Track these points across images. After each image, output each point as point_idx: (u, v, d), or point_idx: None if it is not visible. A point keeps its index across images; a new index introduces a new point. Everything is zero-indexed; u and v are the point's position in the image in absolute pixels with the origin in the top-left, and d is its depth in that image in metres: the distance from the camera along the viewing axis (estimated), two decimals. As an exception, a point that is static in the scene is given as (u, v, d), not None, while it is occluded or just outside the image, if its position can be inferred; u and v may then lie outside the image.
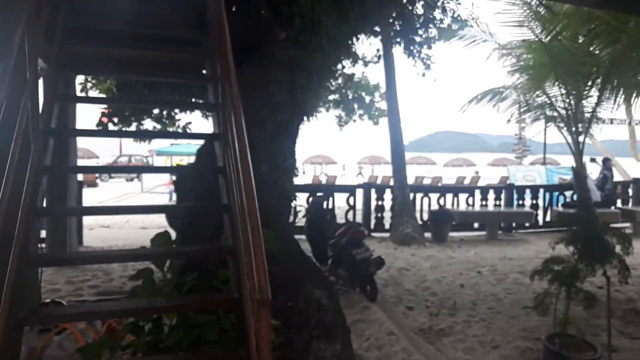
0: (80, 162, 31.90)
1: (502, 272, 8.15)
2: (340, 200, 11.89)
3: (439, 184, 33.47)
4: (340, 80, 16.25)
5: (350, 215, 11.84)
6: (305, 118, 5.74)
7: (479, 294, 6.79)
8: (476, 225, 12.43)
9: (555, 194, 13.57)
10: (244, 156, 2.85)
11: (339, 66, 15.76)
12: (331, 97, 16.79)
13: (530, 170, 20.11)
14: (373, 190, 12.22)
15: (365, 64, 15.95)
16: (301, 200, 11.38)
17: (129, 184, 30.36)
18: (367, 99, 17.13)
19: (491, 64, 10.40)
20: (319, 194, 10.00)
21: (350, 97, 16.99)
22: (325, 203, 8.18)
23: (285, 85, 5.23)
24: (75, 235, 8.70)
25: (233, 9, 5.77)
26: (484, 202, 12.94)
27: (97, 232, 12.30)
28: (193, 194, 4.53)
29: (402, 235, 10.47)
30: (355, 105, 17.22)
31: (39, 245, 4.65)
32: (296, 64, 5.26)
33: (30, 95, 3.04)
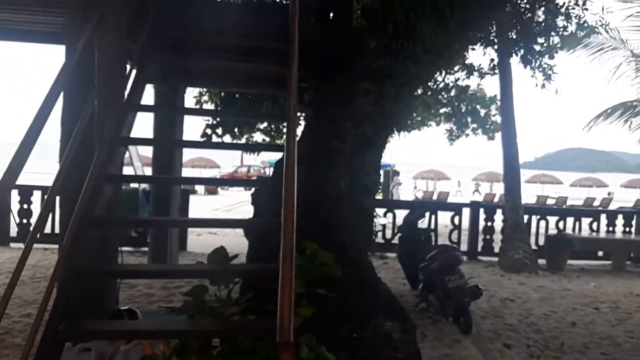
0: (203, 172, 34.20)
1: (625, 310, 7.06)
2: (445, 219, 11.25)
3: (564, 206, 30.90)
4: (453, 93, 15.54)
5: (454, 236, 11.12)
6: (393, 131, 5.36)
7: (593, 335, 5.88)
8: (600, 253, 11.08)
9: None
10: (290, 169, 2.60)
11: (452, 78, 15.23)
12: (442, 110, 16.12)
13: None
14: (482, 210, 11.38)
15: (481, 75, 15.12)
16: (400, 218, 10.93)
17: (246, 192, 31.43)
18: (482, 112, 16.19)
19: (622, 75, 9.19)
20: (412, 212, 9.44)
21: (463, 110, 16.16)
22: (421, 221, 7.64)
23: (372, 96, 4.90)
24: (176, 241, 9.01)
25: (326, 18, 5.59)
26: (610, 228, 11.51)
27: (204, 239, 12.74)
28: (267, 209, 4.36)
29: (511, 261, 9.58)
30: (469, 119, 16.36)
31: (119, 249, 4.74)
32: (386, 73, 4.91)
33: (95, 102, 3.06)
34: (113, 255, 4.69)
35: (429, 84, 15.20)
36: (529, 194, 37.31)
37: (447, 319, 6.02)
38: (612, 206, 31.63)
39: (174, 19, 4.56)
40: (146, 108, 4.10)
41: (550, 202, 32.13)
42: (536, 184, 40.29)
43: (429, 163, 47.20)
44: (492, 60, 10.95)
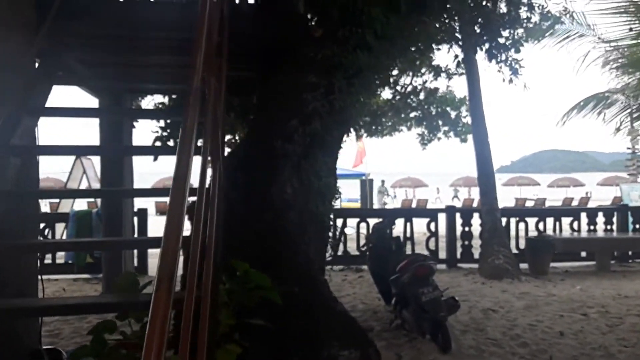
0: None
1: (615, 314, 6.54)
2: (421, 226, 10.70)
3: (543, 207, 30.74)
4: (422, 96, 15.14)
5: (432, 244, 10.58)
6: (349, 129, 4.78)
7: (583, 346, 5.32)
8: (583, 254, 10.63)
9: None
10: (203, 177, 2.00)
11: (420, 80, 14.83)
12: (412, 115, 15.69)
13: (648, 189, 17.41)
14: (458, 215, 10.86)
15: (449, 76, 14.79)
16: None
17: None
18: (453, 114, 15.80)
19: (592, 63, 8.78)
20: (380, 220, 8.87)
21: (433, 113, 15.77)
22: (389, 230, 7.04)
23: (320, 90, 4.32)
24: (130, 262, 8.26)
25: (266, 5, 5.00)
26: (592, 227, 11.09)
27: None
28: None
29: (491, 267, 9.04)
30: (440, 122, 15.96)
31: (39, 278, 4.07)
32: (334, 64, 4.34)
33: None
34: (31, 285, 4.01)
35: (397, 87, 14.93)
36: (507, 197, 37.24)
37: (424, 337, 5.40)
38: (591, 205, 31.71)
39: (82, 11, 3.93)
40: (48, 112, 3.43)
41: (529, 204, 31.98)
42: (514, 186, 40.19)
43: (404, 171, 46.83)
44: (456, 56, 10.49)
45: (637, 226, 10.96)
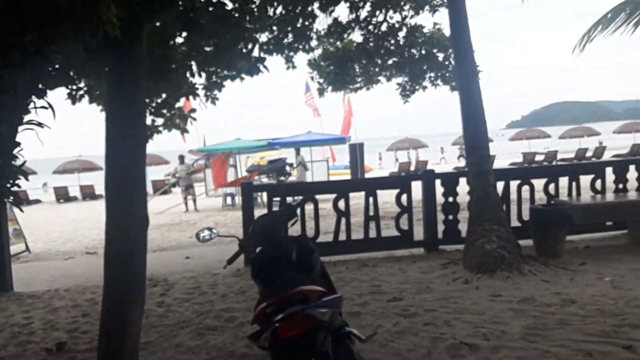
0: (150, 170, 30.20)
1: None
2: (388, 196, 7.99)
3: (555, 162, 27.80)
4: (400, 36, 12.16)
5: (404, 222, 7.89)
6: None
7: None
8: (610, 222, 7.89)
9: None
10: None
11: (398, 17, 11.88)
12: (391, 61, 12.70)
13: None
14: (439, 182, 8.12)
15: (432, 9, 11.88)
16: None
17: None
18: (441, 56, 12.75)
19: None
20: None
21: (417, 56, 12.73)
22: (288, 223, 4.11)
23: None
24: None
25: None
26: (620, 186, 8.29)
27: (68, 264, 9.36)
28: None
29: (480, 254, 6.29)
30: (425, 67, 12.95)
31: None
32: None
33: None
34: None
35: (370, 27, 12.01)
36: (515, 154, 34.22)
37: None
38: (606, 155, 28.65)
39: None
40: None
41: (539, 158, 29.05)
42: (522, 140, 37.06)
43: (399, 136, 43.76)
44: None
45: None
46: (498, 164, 23.79)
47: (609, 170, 8.30)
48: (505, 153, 36.04)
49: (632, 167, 8.40)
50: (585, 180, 8.26)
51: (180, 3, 5.72)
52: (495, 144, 29.10)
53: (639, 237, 7.30)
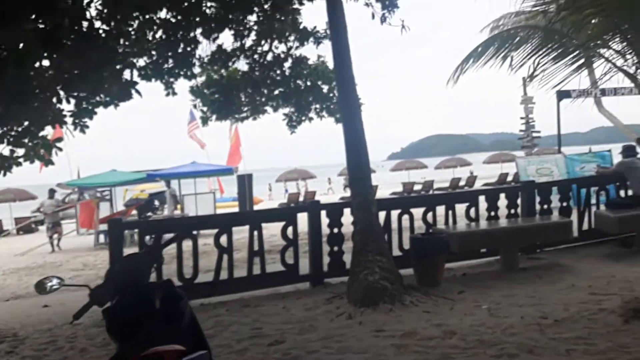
0: (15, 206, 27.57)
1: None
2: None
3: (431, 190, 29.38)
4: (286, 66, 12.08)
5: (289, 257, 7.64)
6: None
7: None
8: (484, 249, 8.25)
9: (593, 189, 9.46)
10: None
11: (283, 47, 11.84)
12: (277, 92, 12.57)
13: (544, 161, 15.84)
14: (324, 213, 8.01)
15: (317, 41, 11.92)
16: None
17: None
18: (325, 88, 12.86)
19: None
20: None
21: (302, 87, 12.73)
22: (151, 267, 3.66)
23: None
24: None
25: None
26: (492, 213, 8.72)
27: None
28: None
29: (363, 287, 6.19)
30: (310, 98, 12.99)
31: None
32: None
33: None
34: None
35: (255, 57, 11.84)
36: (396, 183, 35.86)
37: None
38: (477, 184, 30.88)
39: None
40: None
41: (417, 187, 30.55)
42: (402, 171, 38.97)
43: (289, 167, 44.08)
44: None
45: (545, 206, 8.79)
46: (380, 194, 24.55)
47: (482, 199, 8.73)
48: (387, 183, 37.61)
49: (502, 195, 8.90)
50: (460, 208, 8.61)
51: (34, 18, 5.13)
52: (378, 175, 30.22)
53: (510, 263, 7.68)
